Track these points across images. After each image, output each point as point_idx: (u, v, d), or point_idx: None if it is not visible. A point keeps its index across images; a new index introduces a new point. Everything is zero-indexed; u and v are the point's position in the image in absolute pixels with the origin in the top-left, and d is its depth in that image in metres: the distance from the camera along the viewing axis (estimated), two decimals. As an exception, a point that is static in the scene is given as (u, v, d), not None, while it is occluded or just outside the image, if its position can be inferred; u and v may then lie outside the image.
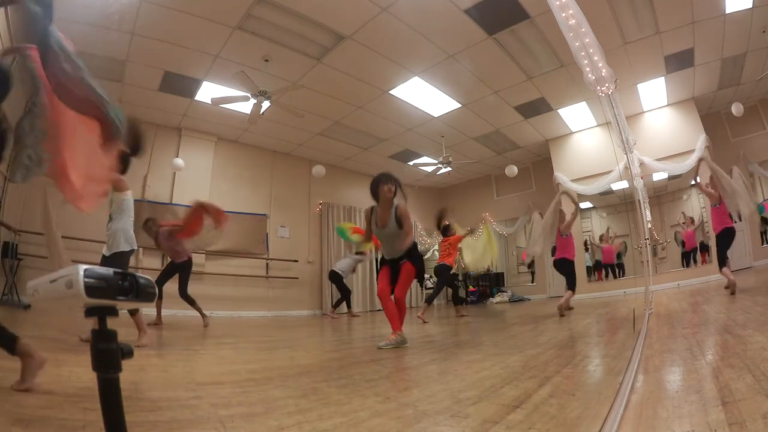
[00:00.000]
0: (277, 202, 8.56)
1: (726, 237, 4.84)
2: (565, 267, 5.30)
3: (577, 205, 5.76)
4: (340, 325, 5.69)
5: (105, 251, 3.06)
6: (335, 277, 7.29)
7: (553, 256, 5.74)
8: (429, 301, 5.98)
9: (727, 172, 4.82)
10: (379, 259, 3.51)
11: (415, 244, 3.34)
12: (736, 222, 5.32)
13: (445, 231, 6.24)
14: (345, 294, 7.27)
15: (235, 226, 7.81)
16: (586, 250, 9.10)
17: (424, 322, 5.26)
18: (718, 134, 7.83)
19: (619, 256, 9.10)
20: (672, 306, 4.35)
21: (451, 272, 6.28)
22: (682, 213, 8.90)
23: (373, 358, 2.54)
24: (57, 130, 1.48)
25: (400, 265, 3.24)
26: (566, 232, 5.40)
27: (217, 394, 1.59)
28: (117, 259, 2.97)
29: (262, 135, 7.87)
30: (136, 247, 3.21)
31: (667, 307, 4.30)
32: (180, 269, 4.91)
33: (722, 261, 4.76)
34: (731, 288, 4.44)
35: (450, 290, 6.69)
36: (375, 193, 3.21)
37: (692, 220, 8.51)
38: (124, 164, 3.03)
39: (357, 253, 7.51)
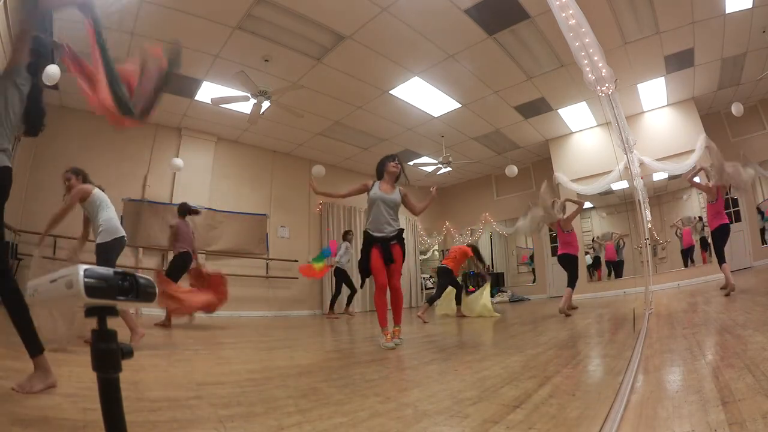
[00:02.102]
0: (277, 202, 8.56)
1: (722, 233, 4.86)
2: (569, 262, 5.35)
3: (580, 204, 5.80)
4: (339, 325, 5.69)
5: (99, 239, 3.05)
6: (340, 273, 7.24)
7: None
8: (430, 301, 6.00)
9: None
10: (363, 236, 3.38)
11: (402, 230, 3.41)
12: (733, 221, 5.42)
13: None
14: (352, 291, 7.24)
15: (235, 226, 7.83)
16: (586, 253, 9.11)
17: (425, 322, 5.27)
18: (718, 134, 7.82)
19: (618, 251, 9.16)
20: (672, 306, 4.35)
21: (453, 276, 6.34)
22: (680, 220, 8.95)
23: (374, 358, 2.54)
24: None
25: (391, 246, 3.25)
26: (567, 228, 5.42)
27: (217, 394, 1.59)
28: (117, 244, 3.07)
29: (262, 135, 7.87)
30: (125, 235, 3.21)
31: (667, 307, 4.29)
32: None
33: (721, 257, 4.77)
34: (728, 289, 4.41)
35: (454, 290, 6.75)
36: (381, 169, 3.42)
37: (688, 220, 8.59)
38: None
39: (345, 237, 7.61)
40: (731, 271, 6.27)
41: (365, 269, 3.30)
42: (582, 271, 8.38)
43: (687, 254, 8.43)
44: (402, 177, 3.48)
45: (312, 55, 5.52)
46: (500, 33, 5.26)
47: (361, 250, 3.37)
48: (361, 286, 3.66)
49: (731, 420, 1.01)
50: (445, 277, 6.16)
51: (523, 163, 9.89)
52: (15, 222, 5.25)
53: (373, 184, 3.37)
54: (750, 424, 0.96)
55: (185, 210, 5.22)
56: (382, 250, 3.21)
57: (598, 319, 4.35)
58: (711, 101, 7.67)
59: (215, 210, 7.58)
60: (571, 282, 5.23)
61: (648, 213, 6.36)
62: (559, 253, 5.58)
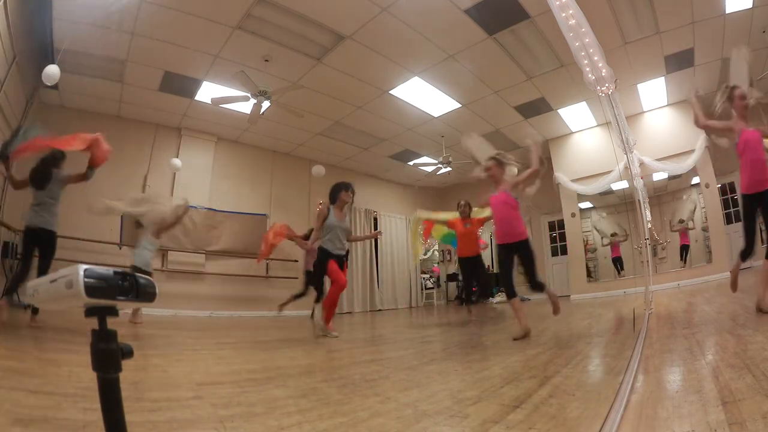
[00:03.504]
0: (277, 202, 8.56)
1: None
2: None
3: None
4: (339, 325, 5.68)
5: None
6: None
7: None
8: (465, 301, 5.58)
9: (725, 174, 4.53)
10: (318, 252, 4.02)
11: (348, 250, 4.18)
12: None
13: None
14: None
15: (235, 226, 7.82)
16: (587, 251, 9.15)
17: (472, 320, 4.95)
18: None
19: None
20: (672, 306, 4.35)
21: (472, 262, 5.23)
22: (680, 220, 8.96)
23: (374, 358, 2.54)
24: None
25: (344, 262, 4.04)
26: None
27: (217, 394, 1.59)
28: None
29: (262, 135, 7.87)
30: None
31: (667, 307, 4.30)
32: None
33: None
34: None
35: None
36: (335, 196, 4.03)
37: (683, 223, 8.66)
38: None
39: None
40: (731, 272, 6.21)
41: (321, 281, 3.97)
42: (579, 272, 8.41)
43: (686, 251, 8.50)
44: (350, 205, 4.12)
45: (312, 55, 5.52)
46: (500, 33, 5.26)
47: (318, 264, 3.96)
48: (317, 300, 4.19)
49: (731, 420, 1.01)
50: (463, 269, 5.27)
51: (523, 163, 9.88)
52: (15, 222, 5.25)
53: (328, 210, 3.99)
54: (750, 424, 0.96)
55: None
56: (338, 263, 3.92)
57: (598, 319, 4.35)
58: (711, 101, 7.66)
59: (215, 210, 7.58)
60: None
61: (648, 213, 6.36)
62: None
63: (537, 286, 3.45)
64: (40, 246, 3.51)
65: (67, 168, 3.64)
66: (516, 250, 3.46)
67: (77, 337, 2.87)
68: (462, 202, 5.17)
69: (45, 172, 3.44)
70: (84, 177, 3.60)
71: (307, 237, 6.47)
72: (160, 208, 4.88)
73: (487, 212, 4.87)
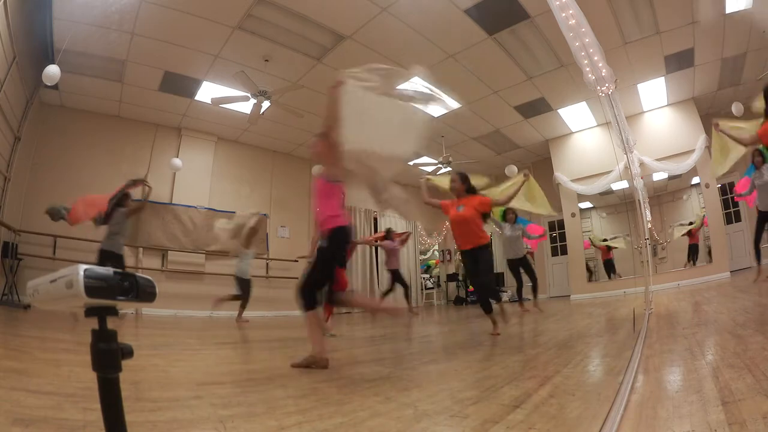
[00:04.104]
0: (277, 202, 8.56)
1: None
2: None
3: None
4: (339, 325, 5.68)
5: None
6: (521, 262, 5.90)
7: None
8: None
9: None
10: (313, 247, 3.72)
11: None
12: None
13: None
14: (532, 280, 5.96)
15: (235, 226, 7.83)
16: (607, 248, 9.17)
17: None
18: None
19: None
20: (672, 306, 4.35)
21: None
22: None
23: (373, 358, 2.54)
24: None
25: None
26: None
27: (217, 394, 1.58)
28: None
29: (262, 135, 7.87)
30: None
31: (667, 307, 4.29)
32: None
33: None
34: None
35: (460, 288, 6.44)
36: None
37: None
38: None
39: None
40: (731, 272, 6.23)
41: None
42: (578, 272, 8.41)
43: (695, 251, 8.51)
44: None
45: (312, 55, 5.52)
46: (500, 33, 5.26)
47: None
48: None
49: (731, 420, 1.01)
50: (466, 268, 3.93)
51: (523, 163, 9.88)
52: (15, 222, 5.25)
53: None
54: (750, 424, 0.96)
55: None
56: None
57: (598, 319, 4.35)
58: (711, 101, 7.67)
59: (215, 210, 7.58)
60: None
61: (648, 213, 6.35)
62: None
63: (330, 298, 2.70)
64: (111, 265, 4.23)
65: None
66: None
67: (78, 336, 2.87)
68: (453, 176, 3.77)
69: (113, 211, 4.58)
70: (140, 208, 5.05)
71: (384, 237, 6.85)
72: (245, 221, 6.18)
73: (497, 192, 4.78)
